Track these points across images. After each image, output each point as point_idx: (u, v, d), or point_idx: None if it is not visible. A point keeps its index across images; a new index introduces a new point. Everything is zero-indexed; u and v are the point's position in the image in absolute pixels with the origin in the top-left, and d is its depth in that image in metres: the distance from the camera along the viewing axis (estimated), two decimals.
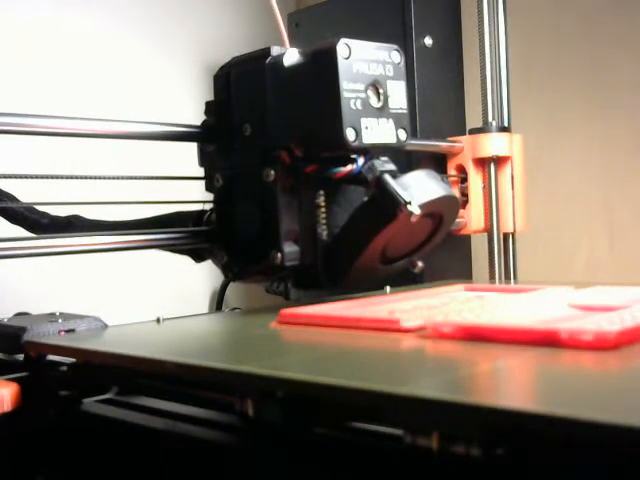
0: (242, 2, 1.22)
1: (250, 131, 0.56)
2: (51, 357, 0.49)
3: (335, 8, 1.02)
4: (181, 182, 0.64)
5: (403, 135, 0.54)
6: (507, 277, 0.86)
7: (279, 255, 0.54)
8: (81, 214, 0.69)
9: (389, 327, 0.42)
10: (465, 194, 0.86)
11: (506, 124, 0.86)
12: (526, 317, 0.41)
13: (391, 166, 0.53)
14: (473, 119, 0.94)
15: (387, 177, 0.51)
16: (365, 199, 0.53)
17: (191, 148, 0.62)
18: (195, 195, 0.63)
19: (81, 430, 0.45)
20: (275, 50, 0.54)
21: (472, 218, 0.86)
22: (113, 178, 0.59)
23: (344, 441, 0.35)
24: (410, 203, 0.49)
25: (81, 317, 0.53)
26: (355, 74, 0.51)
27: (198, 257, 0.64)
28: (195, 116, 0.63)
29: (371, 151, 0.53)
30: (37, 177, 0.56)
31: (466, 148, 0.86)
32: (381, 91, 0.52)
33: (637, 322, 0.36)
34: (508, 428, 0.26)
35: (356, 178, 0.53)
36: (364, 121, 0.51)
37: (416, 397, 0.28)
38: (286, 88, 0.53)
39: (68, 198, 0.64)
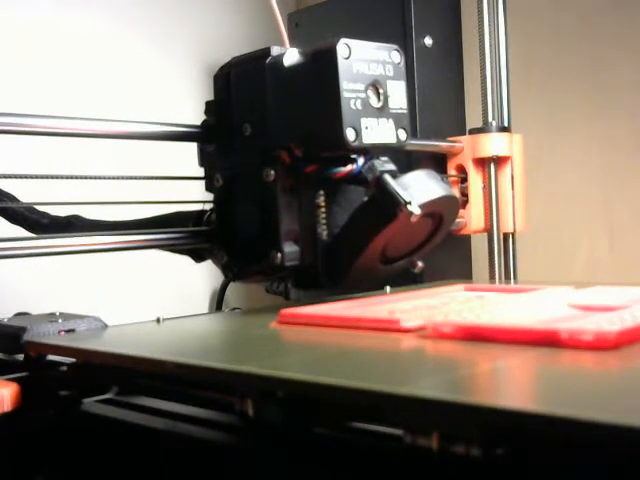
0: (242, 2, 1.22)
1: (250, 131, 0.56)
2: (51, 357, 0.49)
3: (335, 8, 1.02)
4: (181, 182, 0.64)
5: (403, 135, 0.54)
6: (507, 277, 0.86)
7: (279, 255, 0.54)
8: (81, 214, 0.69)
9: (389, 327, 0.42)
10: (465, 194, 0.86)
11: (506, 124, 0.86)
12: (526, 317, 0.41)
13: (391, 166, 0.53)
14: (473, 119, 0.94)
15: (387, 177, 0.51)
16: (365, 199, 0.53)
17: (191, 148, 0.62)
18: (195, 195, 0.63)
19: (81, 430, 0.45)
20: (275, 50, 0.54)
21: (472, 218, 0.86)
22: (113, 178, 0.59)
23: (344, 441, 0.35)
24: (410, 203, 0.49)
25: (81, 317, 0.53)
26: (355, 74, 0.51)
27: (198, 257, 0.64)
28: (195, 116, 0.63)
29: (371, 151, 0.53)
30: (37, 177, 0.56)
31: (466, 148, 0.86)
32: (381, 91, 0.52)
33: (637, 322, 0.36)
34: (508, 428, 0.26)
35: (356, 178, 0.53)
36: (364, 121, 0.51)
37: (416, 397, 0.28)
38: (286, 88, 0.53)
39: (68, 198, 0.64)
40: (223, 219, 0.58)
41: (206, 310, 1.15)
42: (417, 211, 0.49)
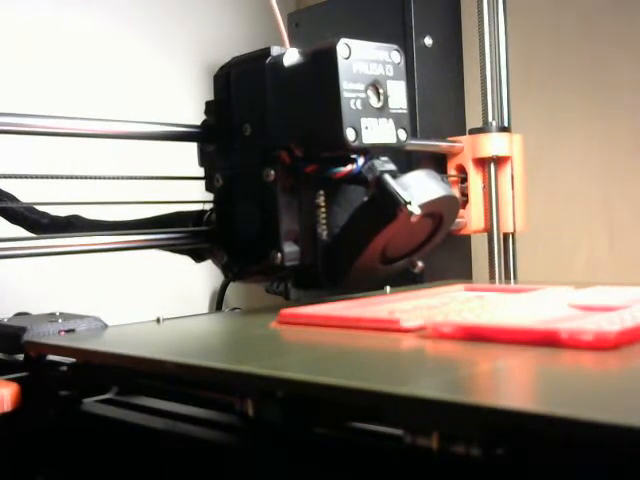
0: (242, 2, 1.22)
1: (250, 131, 0.56)
2: (51, 357, 0.49)
3: (335, 8, 1.02)
4: (181, 182, 0.64)
5: (403, 135, 0.54)
6: (507, 277, 0.86)
7: (279, 255, 0.54)
8: (81, 214, 0.69)
9: (389, 327, 0.42)
10: (465, 194, 0.86)
11: (506, 124, 0.86)
12: (526, 317, 0.41)
13: (391, 166, 0.53)
14: (473, 119, 0.94)
15: (387, 177, 0.51)
16: (365, 199, 0.53)
17: (191, 148, 0.62)
18: (195, 195, 0.63)
19: (81, 430, 0.45)
20: (275, 50, 0.54)
21: (472, 218, 0.86)
22: (113, 178, 0.59)
23: (344, 441, 0.35)
24: (410, 203, 0.49)
25: (81, 317, 0.53)
26: (355, 74, 0.51)
27: (198, 257, 0.64)
28: (195, 116, 0.63)
29: (371, 151, 0.53)
30: (37, 177, 0.56)
31: (466, 148, 0.86)
32: (381, 91, 0.52)
33: (637, 322, 0.36)
34: (508, 428, 0.26)
35: (356, 178, 0.53)
36: (364, 121, 0.51)
37: (416, 397, 0.28)
38: (286, 88, 0.53)
39: (68, 198, 0.64)
40: (223, 219, 0.58)
41: (206, 310, 1.15)
42: (417, 211, 0.49)
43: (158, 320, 0.52)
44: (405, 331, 0.41)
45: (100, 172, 0.59)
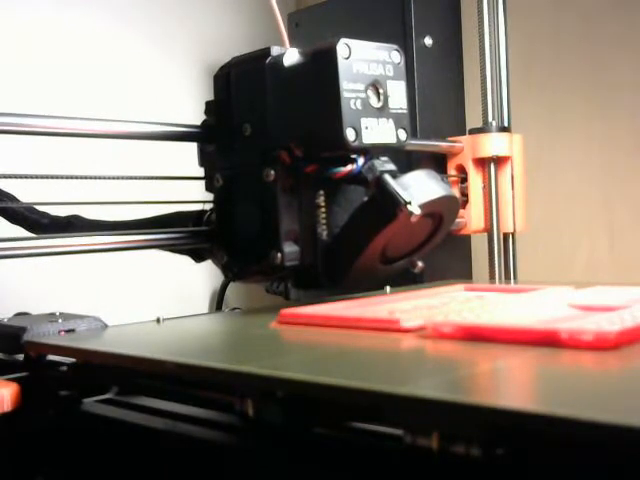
0: (242, 2, 1.22)
1: (250, 131, 0.56)
2: (51, 357, 0.49)
3: (335, 8, 1.02)
4: (181, 182, 0.64)
5: (403, 135, 0.54)
6: (507, 277, 0.86)
7: (279, 255, 0.54)
8: (81, 214, 0.69)
9: (389, 327, 0.42)
10: (465, 194, 0.86)
11: (506, 124, 0.86)
12: (526, 317, 0.41)
13: (391, 166, 0.53)
14: (473, 119, 0.94)
15: (387, 177, 0.51)
16: (365, 199, 0.53)
17: (191, 148, 0.62)
18: (195, 195, 0.63)
19: (81, 430, 0.45)
20: (275, 50, 0.54)
21: (472, 218, 0.86)
22: (113, 178, 0.59)
23: (344, 441, 0.35)
24: (410, 203, 0.49)
25: (81, 317, 0.53)
26: (355, 74, 0.51)
27: (198, 257, 0.64)
28: (195, 116, 0.63)
29: (371, 151, 0.53)
30: (37, 177, 0.56)
31: (466, 148, 0.86)
32: (381, 91, 0.52)
33: (637, 322, 0.36)
34: (508, 428, 0.26)
35: (356, 178, 0.53)
36: (364, 121, 0.51)
37: (416, 397, 0.28)
38: (286, 88, 0.53)
39: (68, 198, 0.64)
40: (223, 219, 0.58)
41: (206, 310, 1.15)
42: (417, 211, 0.49)
43: (158, 320, 0.52)
44: (405, 331, 0.41)
45: (100, 172, 0.59)
